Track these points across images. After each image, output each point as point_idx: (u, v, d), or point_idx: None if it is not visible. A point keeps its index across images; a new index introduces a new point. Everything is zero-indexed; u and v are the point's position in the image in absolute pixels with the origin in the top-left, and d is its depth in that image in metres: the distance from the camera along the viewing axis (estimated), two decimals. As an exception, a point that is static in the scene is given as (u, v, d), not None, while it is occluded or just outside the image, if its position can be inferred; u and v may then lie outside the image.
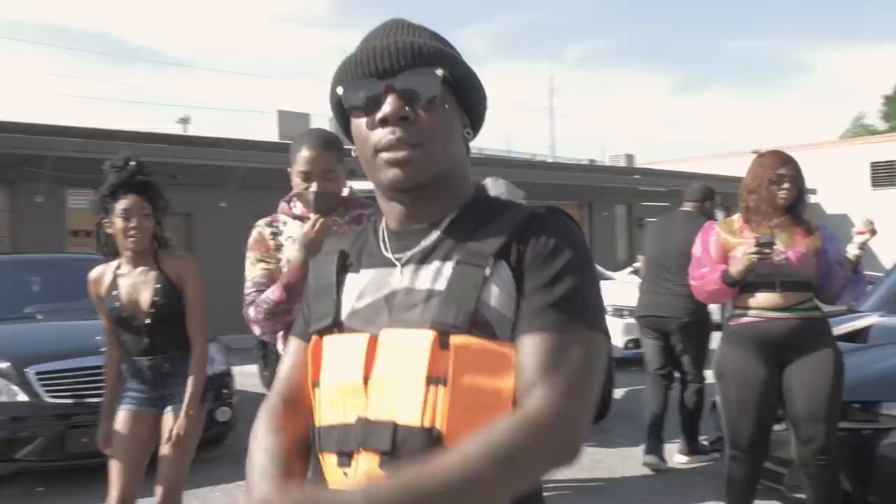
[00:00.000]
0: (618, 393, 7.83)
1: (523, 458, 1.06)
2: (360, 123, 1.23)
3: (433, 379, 1.12)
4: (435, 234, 1.24)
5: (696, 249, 3.71)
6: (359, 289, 1.27)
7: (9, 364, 5.15)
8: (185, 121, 23.72)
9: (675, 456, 5.64)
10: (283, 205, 2.95)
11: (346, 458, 1.18)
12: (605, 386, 6.71)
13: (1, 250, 11.91)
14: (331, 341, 1.24)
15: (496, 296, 1.16)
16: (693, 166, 26.00)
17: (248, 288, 2.81)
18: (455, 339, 1.13)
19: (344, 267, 1.31)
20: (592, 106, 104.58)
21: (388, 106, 1.19)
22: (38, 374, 5.14)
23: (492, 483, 1.04)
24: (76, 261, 6.48)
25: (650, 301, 5.71)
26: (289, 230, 2.86)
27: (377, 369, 1.17)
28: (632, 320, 9.05)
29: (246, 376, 7.72)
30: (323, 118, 29.29)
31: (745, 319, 3.54)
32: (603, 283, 7.36)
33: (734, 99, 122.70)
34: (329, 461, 1.21)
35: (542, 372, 1.10)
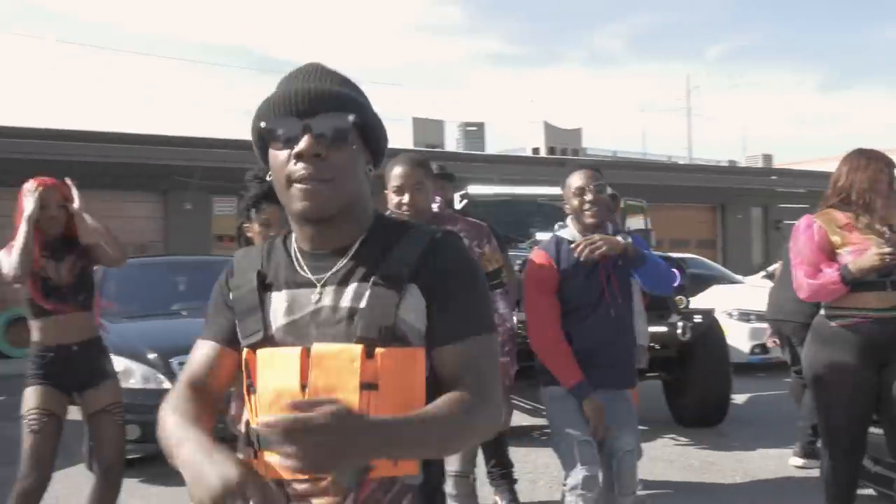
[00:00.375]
0: (739, 398, 7.71)
1: (468, 425, 1.37)
2: (277, 155, 1.40)
3: (365, 385, 1.34)
4: (347, 258, 1.44)
5: (802, 246, 3.60)
6: (283, 306, 1.44)
7: (156, 355, 5.69)
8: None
9: (791, 459, 5.56)
10: None
11: None
12: (721, 389, 6.67)
13: (154, 253, 12.90)
14: (264, 353, 1.42)
15: (409, 312, 1.40)
16: (835, 166, 24.76)
17: None
18: (379, 350, 1.35)
19: (265, 286, 1.48)
20: (732, 105, 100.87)
21: (303, 143, 1.36)
22: (181, 364, 5.65)
23: (446, 438, 1.35)
24: (219, 263, 7.00)
25: (771, 305, 5.77)
26: None
27: (313, 378, 1.36)
28: (759, 325, 8.87)
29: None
30: (453, 124, 29.65)
31: (849, 321, 3.50)
32: (730, 287, 7.39)
33: (889, 94, 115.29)
34: (271, 457, 1.33)
35: (464, 370, 1.40)
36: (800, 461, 5.51)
